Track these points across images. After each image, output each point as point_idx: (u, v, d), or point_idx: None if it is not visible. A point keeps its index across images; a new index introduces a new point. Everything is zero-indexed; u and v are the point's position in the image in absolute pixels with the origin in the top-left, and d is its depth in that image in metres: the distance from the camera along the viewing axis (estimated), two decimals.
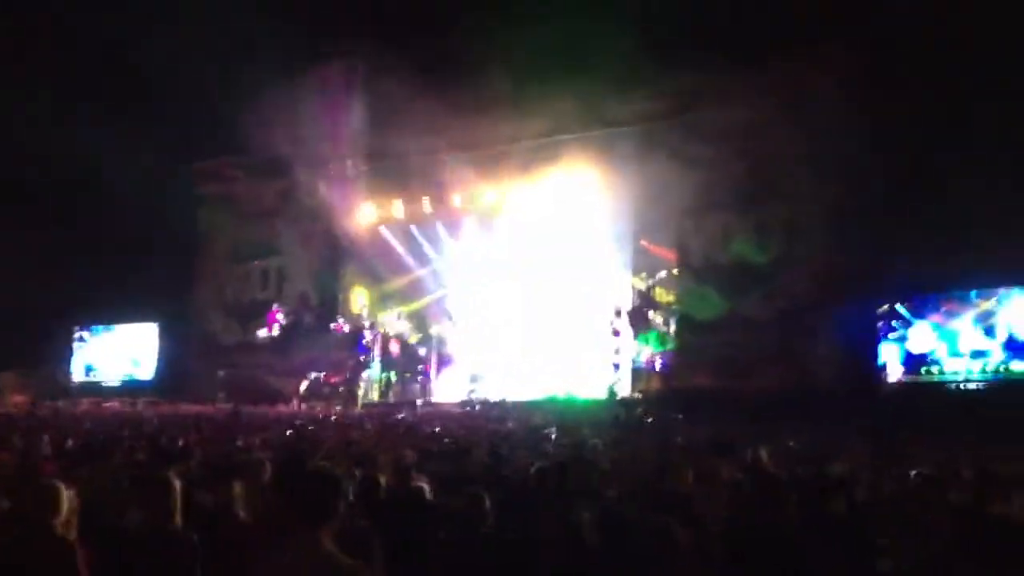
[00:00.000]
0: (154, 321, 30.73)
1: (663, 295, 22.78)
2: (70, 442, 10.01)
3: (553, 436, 11.70)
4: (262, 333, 28.67)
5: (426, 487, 6.24)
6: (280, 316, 28.51)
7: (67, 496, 4.76)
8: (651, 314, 22.53)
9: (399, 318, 26.77)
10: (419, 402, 23.86)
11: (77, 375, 31.44)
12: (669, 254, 22.91)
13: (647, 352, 22.27)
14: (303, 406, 24.39)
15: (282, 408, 24.09)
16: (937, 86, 18.17)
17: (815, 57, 20.34)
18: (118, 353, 31.26)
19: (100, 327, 31.76)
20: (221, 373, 28.19)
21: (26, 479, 6.54)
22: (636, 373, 22.07)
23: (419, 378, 25.67)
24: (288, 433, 12.41)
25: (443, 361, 25.98)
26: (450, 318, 26.46)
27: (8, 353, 27.74)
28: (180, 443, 10.08)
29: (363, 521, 4.90)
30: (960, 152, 18.09)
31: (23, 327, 27.88)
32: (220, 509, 5.54)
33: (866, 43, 19.47)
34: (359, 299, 27.44)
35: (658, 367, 21.94)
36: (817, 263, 20.56)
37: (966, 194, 17.27)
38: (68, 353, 31.60)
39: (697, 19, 21.53)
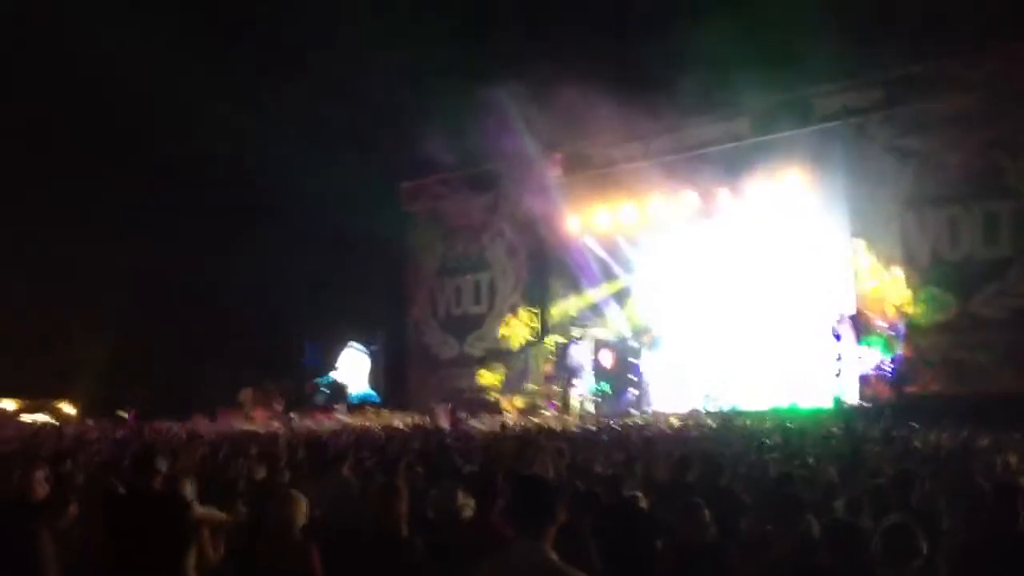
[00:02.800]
0: (375, 337, 32.26)
1: (888, 296, 21.47)
2: (302, 452, 10.62)
3: (772, 447, 11.28)
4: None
5: (640, 495, 6.18)
6: None
7: (304, 505, 5.06)
8: (875, 317, 21.32)
9: (608, 328, 26.71)
10: (635, 412, 23.61)
11: (307, 390, 33.44)
12: (892, 252, 21.63)
13: (873, 357, 21.07)
14: (518, 418, 24.69)
15: (497, 418, 24.49)
16: None
17: None
18: (343, 368, 32.99)
19: (326, 343, 33.47)
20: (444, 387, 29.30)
21: (265, 489, 6.99)
22: (863, 380, 20.90)
23: (634, 388, 25.43)
24: (503, 443, 12.64)
25: (658, 371, 25.61)
26: (658, 328, 26.04)
27: (246, 368, 29.89)
28: (402, 453, 10.50)
29: (580, 529, 4.90)
30: None
31: (259, 343, 30.10)
32: (444, 516, 5.69)
33: None
34: (568, 309, 27.63)
35: (886, 373, 20.72)
36: None
37: None
38: (299, 368, 33.68)
39: (906, 4, 20.45)
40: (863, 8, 20.86)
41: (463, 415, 23.24)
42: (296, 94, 27.65)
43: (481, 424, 21.38)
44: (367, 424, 21.30)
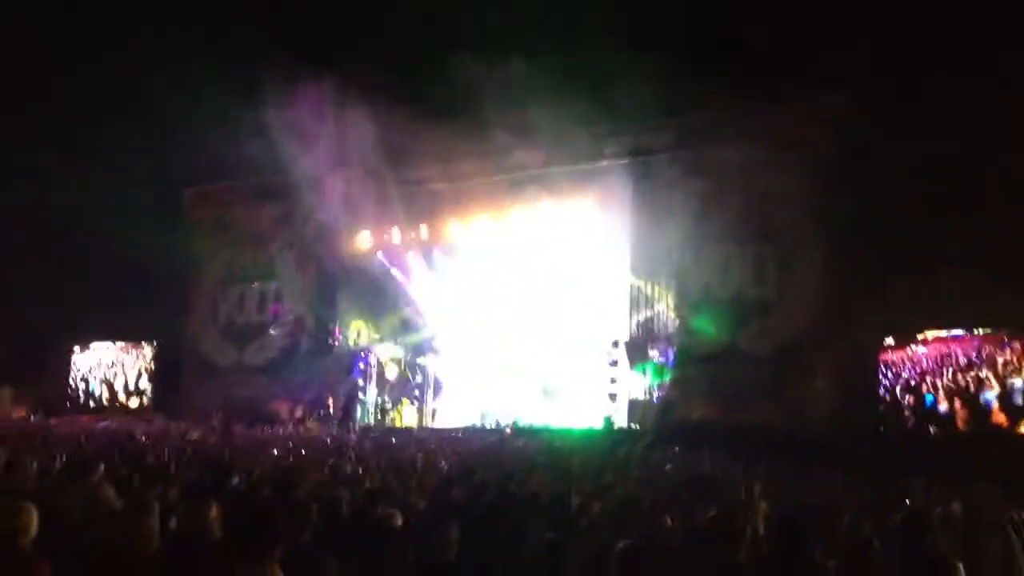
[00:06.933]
0: (151, 342, 30.71)
1: (661, 326, 22.66)
2: (59, 459, 9.97)
3: (542, 465, 11.60)
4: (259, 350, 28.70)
5: (397, 513, 6.19)
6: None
7: (30, 515, 4.74)
8: (649, 345, 22.45)
9: (395, 344, 26.70)
10: (415, 427, 23.78)
11: (74, 392, 31.42)
12: (668, 285, 22.86)
13: (645, 383, 22.17)
14: (299, 429, 24.20)
15: (278, 431, 23.90)
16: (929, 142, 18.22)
17: (811, 105, 20.84)
18: (116, 372, 31.22)
19: (98, 344, 31.59)
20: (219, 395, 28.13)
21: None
22: (633, 404, 21.94)
23: (415, 404, 25.54)
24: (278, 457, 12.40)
25: (439, 388, 25.86)
26: (441, 346, 26.30)
27: (8, 370, 27.76)
28: (166, 464, 10.09)
29: (321, 548, 4.85)
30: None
31: (24, 345, 28.00)
32: (196, 532, 5.49)
33: (860, 95, 19.81)
34: (355, 324, 27.37)
35: (655, 398, 21.83)
36: (812, 302, 20.74)
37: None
38: (66, 370, 31.56)
39: (700, 56, 21.71)
40: (662, 55, 21.90)
41: (238, 427, 22.57)
42: (79, 97, 26.11)
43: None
44: (134, 429, 20.23)
